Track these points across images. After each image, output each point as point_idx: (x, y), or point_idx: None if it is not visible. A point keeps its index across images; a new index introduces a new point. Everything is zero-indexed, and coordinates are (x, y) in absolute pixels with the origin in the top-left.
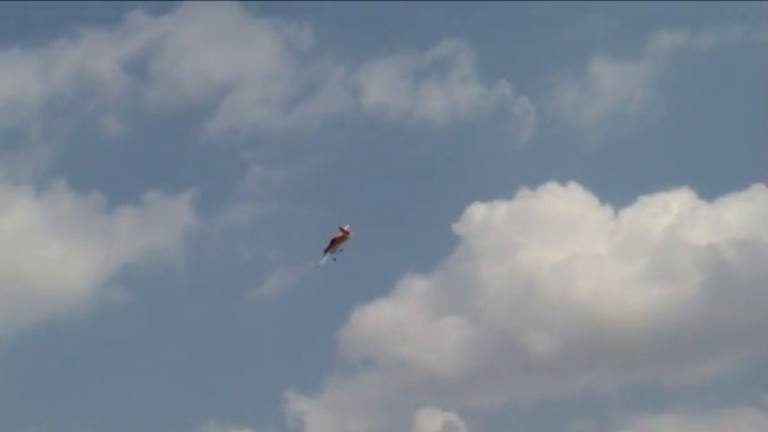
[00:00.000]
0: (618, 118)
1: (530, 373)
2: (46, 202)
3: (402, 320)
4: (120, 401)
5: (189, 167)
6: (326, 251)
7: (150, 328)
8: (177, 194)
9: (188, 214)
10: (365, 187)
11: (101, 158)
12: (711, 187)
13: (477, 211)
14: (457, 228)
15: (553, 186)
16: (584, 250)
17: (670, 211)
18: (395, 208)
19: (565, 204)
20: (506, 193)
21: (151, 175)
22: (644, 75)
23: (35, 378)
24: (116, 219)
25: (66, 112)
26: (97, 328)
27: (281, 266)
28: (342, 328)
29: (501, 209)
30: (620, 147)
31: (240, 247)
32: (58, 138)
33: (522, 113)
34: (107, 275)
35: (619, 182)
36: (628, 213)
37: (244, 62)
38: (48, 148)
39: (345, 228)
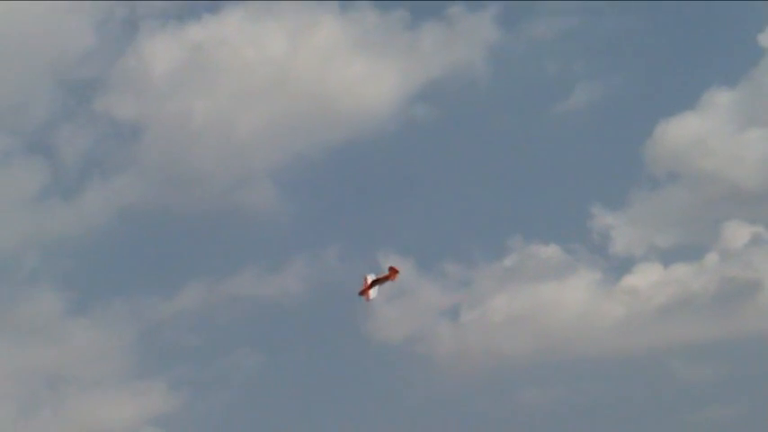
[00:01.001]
0: None
1: None
2: (350, 19)
3: (707, 133)
4: (424, 217)
5: None
6: (365, 291)
7: (454, 144)
8: (481, 9)
9: (492, 28)
10: None
11: None
12: None
13: None
14: (762, 38)
15: None
16: None
17: None
18: (699, 19)
19: None
20: None
21: None
22: None
23: (340, 196)
24: (419, 35)
25: None
26: (401, 144)
27: (586, 79)
28: (646, 142)
29: None
30: None
31: (545, 60)
32: None
33: None
34: (411, 92)
35: None
36: None
37: None
38: None
39: (395, 267)
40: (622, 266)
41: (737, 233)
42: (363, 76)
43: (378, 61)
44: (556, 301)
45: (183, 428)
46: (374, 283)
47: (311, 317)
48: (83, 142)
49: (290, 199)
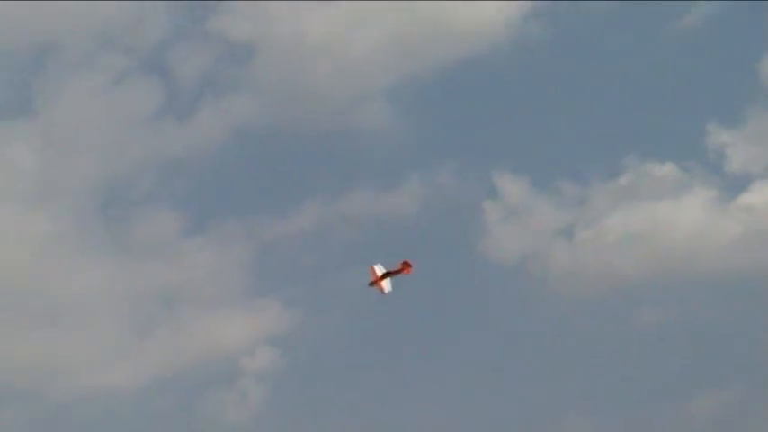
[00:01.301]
0: None
1: None
2: None
3: None
4: (538, 135)
5: None
6: (376, 282)
7: (569, 62)
8: None
9: None
10: None
11: None
12: None
13: None
14: None
15: None
16: None
17: None
18: None
19: None
20: None
21: None
22: None
23: (455, 115)
24: None
25: None
26: (516, 63)
27: None
28: (763, 59)
29: None
30: None
31: None
32: None
33: None
34: (526, 11)
35: None
36: None
37: None
38: None
39: (408, 261)
40: (738, 184)
41: None
42: None
43: None
44: (671, 219)
45: (297, 347)
46: (386, 275)
47: (426, 236)
48: (197, 62)
49: (405, 118)
